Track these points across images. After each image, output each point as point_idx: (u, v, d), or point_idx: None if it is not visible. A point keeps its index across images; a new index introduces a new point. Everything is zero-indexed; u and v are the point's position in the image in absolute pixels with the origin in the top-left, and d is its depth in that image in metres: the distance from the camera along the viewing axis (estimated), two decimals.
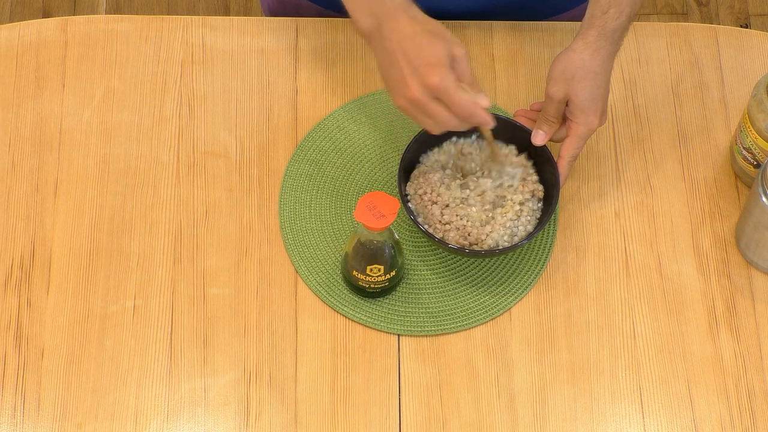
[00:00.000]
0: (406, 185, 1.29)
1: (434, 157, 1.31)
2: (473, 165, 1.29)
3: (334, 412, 1.24)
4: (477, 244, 1.26)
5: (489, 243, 1.26)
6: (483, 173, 1.29)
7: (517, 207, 1.28)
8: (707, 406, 1.25)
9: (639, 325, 1.29)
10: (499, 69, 1.42)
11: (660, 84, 1.42)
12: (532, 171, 1.31)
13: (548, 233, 1.33)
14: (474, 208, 1.27)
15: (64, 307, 1.28)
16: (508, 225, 1.27)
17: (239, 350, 1.26)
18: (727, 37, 1.45)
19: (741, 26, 2.50)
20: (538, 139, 1.28)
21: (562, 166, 1.28)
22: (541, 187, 1.30)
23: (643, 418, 1.25)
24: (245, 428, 1.23)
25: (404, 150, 1.28)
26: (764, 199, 1.24)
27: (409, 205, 1.28)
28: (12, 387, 1.24)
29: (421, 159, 1.31)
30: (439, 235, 1.26)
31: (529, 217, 1.28)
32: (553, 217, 1.33)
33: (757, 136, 1.28)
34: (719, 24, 2.48)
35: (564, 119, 1.29)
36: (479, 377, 1.26)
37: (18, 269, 1.30)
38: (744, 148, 1.32)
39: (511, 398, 1.25)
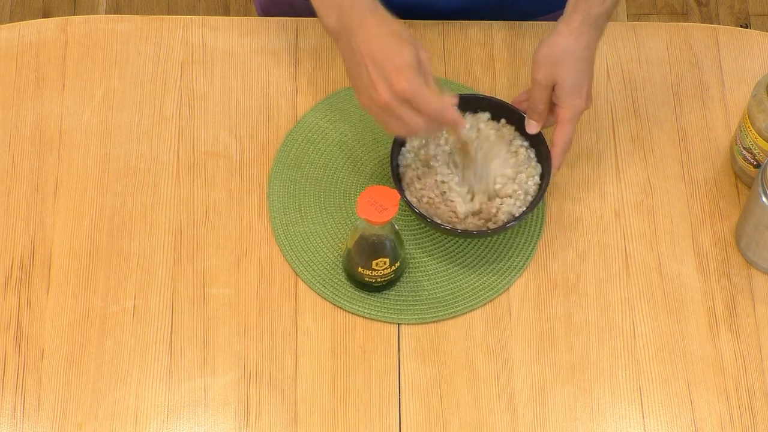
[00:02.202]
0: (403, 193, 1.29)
1: (408, 154, 1.31)
2: (440, 149, 1.30)
3: (334, 412, 1.24)
4: (492, 221, 1.27)
5: (502, 218, 1.27)
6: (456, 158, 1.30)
7: (515, 168, 1.29)
8: (707, 406, 1.25)
9: (639, 325, 1.29)
10: (499, 69, 1.42)
11: (660, 84, 1.42)
12: (502, 128, 1.31)
13: (537, 213, 1.33)
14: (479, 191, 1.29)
15: (64, 307, 1.28)
16: (518, 192, 1.28)
17: (239, 350, 1.26)
18: (727, 37, 1.45)
19: (741, 26, 2.50)
20: (532, 128, 1.29)
21: (556, 154, 1.28)
22: (518, 135, 1.31)
23: (643, 418, 1.25)
24: (245, 428, 1.23)
25: (390, 162, 1.28)
26: (764, 199, 1.24)
27: (414, 207, 1.28)
28: (12, 387, 1.24)
29: (401, 161, 1.31)
30: (461, 227, 1.27)
31: (531, 170, 1.29)
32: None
33: (757, 136, 1.28)
34: (719, 24, 2.48)
35: (551, 104, 1.29)
36: (479, 377, 1.26)
37: (18, 269, 1.30)
38: (744, 148, 1.32)
39: (511, 398, 1.25)
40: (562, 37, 1.25)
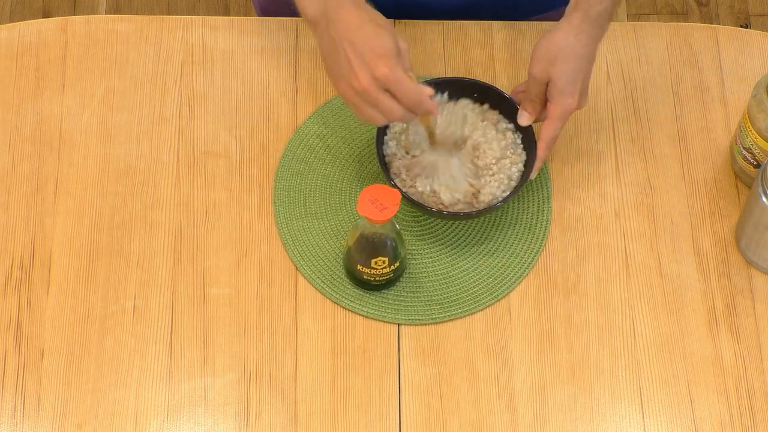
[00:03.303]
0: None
1: (390, 142, 1.31)
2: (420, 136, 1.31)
3: (334, 412, 1.24)
4: (473, 203, 1.28)
5: (485, 199, 1.28)
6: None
7: (496, 153, 1.30)
8: (707, 406, 1.25)
9: (639, 325, 1.29)
10: (499, 69, 1.42)
11: (660, 84, 1.42)
12: (482, 113, 1.32)
13: (542, 210, 1.33)
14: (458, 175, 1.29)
15: (64, 307, 1.28)
16: (500, 176, 1.29)
17: (239, 350, 1.26)
18: (727, 37, 1.45)
19: (741, 26, 2.50)
20: (524, 120, 1.30)
21: (541, 148, 1.28)
22: (503, 119, 1.32)
23: (643, 418, 1.25)
24: (245, 428, 1.23)
25: (376, 150, 1.29)
26: (764, 199, 1.24)
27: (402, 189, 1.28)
28: (12, 387, 1.24)
29: (385, 151, 1.31)
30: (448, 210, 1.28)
31: (515, 157, 1.30)
32: (547, 199, 1.33)
33: (757, 136, 1.28)
34: (719, 24, 2.48)
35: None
36: (479, 377, 1.26)
37: (18, 269, 1.30)
38: (744, 148, 1.32)
39: (511, 398, 1.25)
40: (561, 34, 1.25)
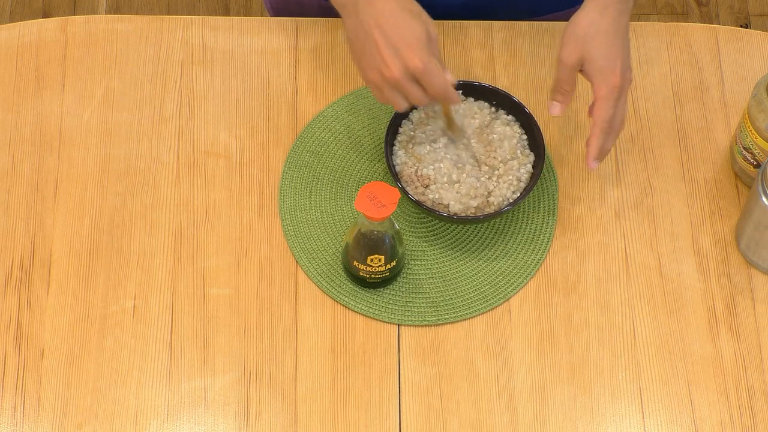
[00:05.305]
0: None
1: (405, 128, 1.32)
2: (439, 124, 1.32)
3: (334, 412, 1.24)
4: (482, 208, 1.28)
5: (495, 201, 1.28)
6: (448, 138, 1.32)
7: (505, 153, 1.30)
8: (707, 406, 1.25)
9: (639, 325, 1.29)
10: (499, 69, 1.42)
11: (660, 84, 1.42)
12: (493, 113, 1.33)
13: (547, 221, 1.33)
14: (470, 179, 1.29)
15: (64, 307, 1.28)
16: (508, 178, 1.29)
17: (239, 350, 1.27)
18: (727, 37, 1.45)
19: (741, 26, 2.50)
20: (555, 110, 1.26)
21: (594, 134, 1.23)
22: (511, 119, 1.32)
23: (643, 418, 1.25)
24: (245, 428, 1.23)
25: (386, 159, 1.29)
26: (764, 199, 1.24)
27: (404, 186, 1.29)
28: (12, 387, 1.24)
29: (395, 161, 1.31)
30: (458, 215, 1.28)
31: (523, 158, 1.30)
32: (553, 211, 1.33)
33: (757, 136, 1.28)
34: (719, 24, 2.48)
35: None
36: (479, 377, 1.26)
37: (18, 269, 1.30)
38: (744, 148, 1.32)
39: (511, 398, 1.25)
40: (586, 12, 1.22)
